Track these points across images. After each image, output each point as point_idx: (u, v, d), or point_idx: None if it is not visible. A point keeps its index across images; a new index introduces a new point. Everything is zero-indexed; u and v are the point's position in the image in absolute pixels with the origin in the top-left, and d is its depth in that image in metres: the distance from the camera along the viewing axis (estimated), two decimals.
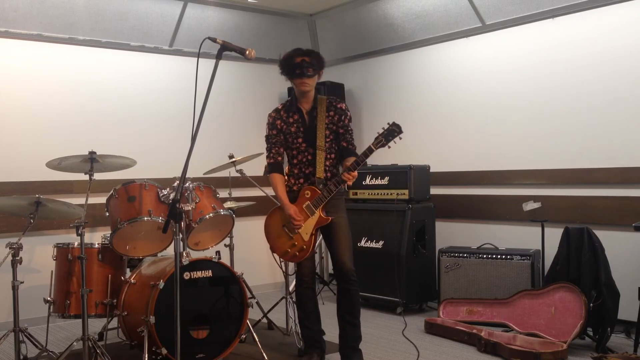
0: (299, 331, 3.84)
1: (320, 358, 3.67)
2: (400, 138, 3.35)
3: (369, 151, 3.31)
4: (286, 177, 3.64)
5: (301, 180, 3.56)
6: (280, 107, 3.63)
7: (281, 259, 3.86)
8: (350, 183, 3.38)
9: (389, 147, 3.36)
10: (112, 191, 3.87)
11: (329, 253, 3.67)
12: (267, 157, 3.63)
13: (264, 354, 3.77)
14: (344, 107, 3.60)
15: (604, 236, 4.06)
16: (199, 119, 2.65)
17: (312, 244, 3.51)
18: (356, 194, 5.42)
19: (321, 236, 3.71)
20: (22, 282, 3.61)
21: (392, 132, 3.33)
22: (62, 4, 4.85)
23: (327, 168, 3.54)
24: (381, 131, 3.36)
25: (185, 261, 3.59)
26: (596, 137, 4.43)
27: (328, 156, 3.55)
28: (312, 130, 3.53)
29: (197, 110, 2.66)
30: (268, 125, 3.62)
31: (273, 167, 3.61)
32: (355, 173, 3.35)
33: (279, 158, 3.61)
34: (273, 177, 3.58)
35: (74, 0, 4.88)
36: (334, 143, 3.57)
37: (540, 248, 4.43)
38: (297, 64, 3.45)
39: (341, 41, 6.23)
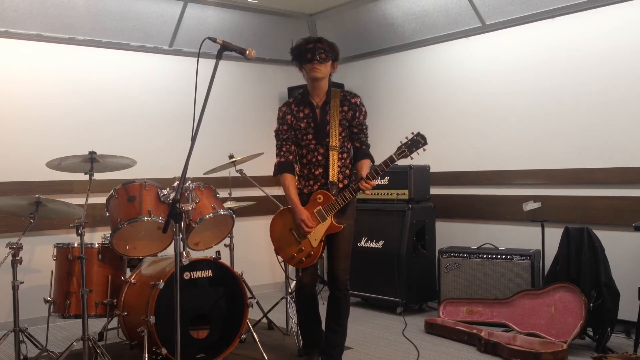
0: (299, 331, 3.80)
1: (319, 358, 3.64)
2: (424, 150, 3.20)
3: (391, 161, 3.17)
4: (296, 178, 3.43)
5: (311, 182, 3.37)
6: (291, 101, 3.41)
7: (286, 263, 3.66)
8: (368, 193, 3.26)
9: (412, 158, 3.21)
10: (112, 191, 3.87)
11: (327, 258, 3.52)
12: (277, 155, 3.39)
13: (264, 354, 3.77)
14: (358, 102, 3.40)
15: (604, 236, 4.06)
16: (199, 119, 2.65)
17: (320, 251, 3.35)
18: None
19: None
20: (22, 282, 3.61)
21: (417, 142, 3.20)
22: (62, 4, 4.84)
23: (339, 169, 3.34)
24: (404, 140, 3.22)
25: (185, 261, 3.59)
26: (596, 137, 4.43)
27: (340, 156, 3.34)
28: (323, 126, 3.32)
29: (197, 110, 2.66)
30: (278, 120, 3.40)
31: (283, 166, 3.38)
32: (374, 182, 3.21)
33: (290, 157, 3.39)
34: (284, 178, 3.35)
35: (74, 0, 4.88)
36: (346, 141, 3.37)
37: (540, 248, 4.43)
38: (309, 49, 3.24)
39: (341, 41, 6.14)
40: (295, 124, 3.36)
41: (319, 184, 3.36)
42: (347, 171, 3.41)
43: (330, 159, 3.31)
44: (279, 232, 3.43)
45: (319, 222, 3.32)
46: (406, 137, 3.23)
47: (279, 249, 3.45)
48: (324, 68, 3.27)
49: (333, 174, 3.32)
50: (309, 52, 3.24)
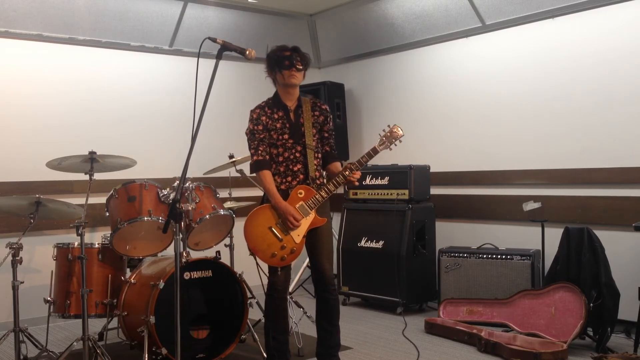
0: (265, 341, 3.52)
1: None
2: (401, 141, 3.41)
3: (374, 152, 3.35)
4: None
5: (289, 179, 3.39)
6: (263, 104, 3.46)
7: (264, 263, 3.43)
8: (357, 183, 3.36)
9: (390, 149, 3.41)
10: (112, 191, 3.88)
11: (309, 257, 3.49)
12: (255, 154, 3.40)
13: (264, 354, 3.77)
14: (327, 109, 3.53)
15: (604, 236, 4.05)
16: (199, 119, 2.65)
17: (302, 247, 3.35)
18: (356, 194, 5.42)
19: None
20: (22, 282, 3.61)
21: (395, 134, 3.39)
22: (62, 4, 4.84)
23: (316, 167, 3.42)
24: (382, 133, 3.41)
25: (185, 261, 3.59)
26: (596, 137, 4.43)
27: (316, 155, 3.44)
28: (298, 127, 3.40)
29: (197, 110, 2.66)
30: (252, 121, 3.43)
31: (264, 164, 3.38)
32: (359, 173, 3.34)
33: (267, 156, 3.40)
34: (264, 175, 3.36)
35: (74, 0, 4.88)
36: (319, 143, 3.48)
37: (540, 248, 4.43)
38: (287, 56, 3.34)
39: (341, 41, 6.23)
40: (271, 125, 3.40)
41: (297, 179, 3.40)
42: (321, 171, 3.51)
43: (308, 157, 3.40)
44: (257, 232, 3.33)
45: (302, 216, 3.34)
46: (383, 130, 3.42)
47: (256, 249, 3.33)
48: (301, 76, 3.40)
49: (312, 170, 3.39)
50: (287, 59, 3.35)
